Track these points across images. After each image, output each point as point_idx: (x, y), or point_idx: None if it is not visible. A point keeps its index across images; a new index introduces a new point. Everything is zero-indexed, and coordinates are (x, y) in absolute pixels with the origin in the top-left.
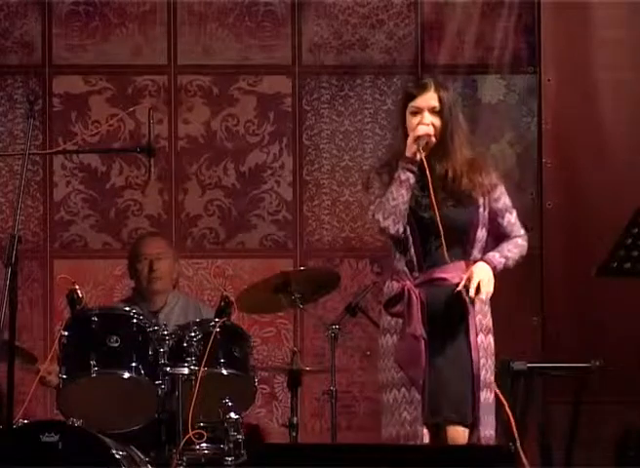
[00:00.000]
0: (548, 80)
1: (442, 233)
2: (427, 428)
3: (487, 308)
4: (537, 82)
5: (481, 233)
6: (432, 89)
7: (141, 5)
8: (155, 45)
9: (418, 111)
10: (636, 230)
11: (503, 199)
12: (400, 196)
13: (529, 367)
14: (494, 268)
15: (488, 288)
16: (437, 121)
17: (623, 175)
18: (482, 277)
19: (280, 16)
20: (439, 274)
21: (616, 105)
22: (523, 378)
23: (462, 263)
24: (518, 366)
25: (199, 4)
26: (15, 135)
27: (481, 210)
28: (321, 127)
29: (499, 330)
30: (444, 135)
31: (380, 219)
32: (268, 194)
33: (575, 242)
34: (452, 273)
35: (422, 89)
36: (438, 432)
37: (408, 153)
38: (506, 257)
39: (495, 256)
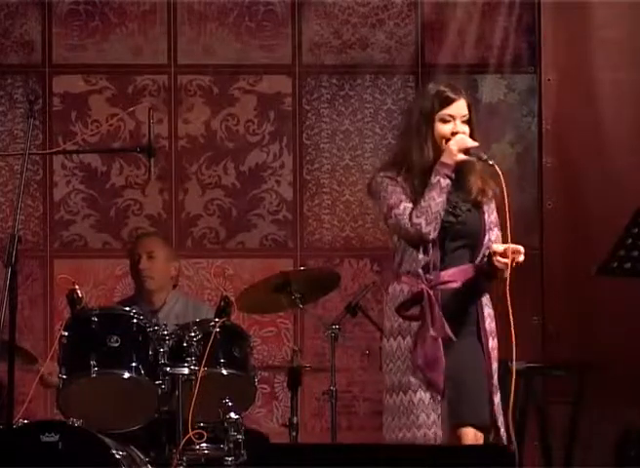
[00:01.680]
0: (548, 80)
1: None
2: (448, 429)
3: (492, 312)
4: (537, 82)
5: (487, 238)
6: (463, 96)
7: (142, 4)
8: (155, 44)
9: (449, 119)
10: (636, 230)
11: (495, 213)
12: (441, 202)
13: (529, 367)
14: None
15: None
16: (467, 129)
17: (623, 176)
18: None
19: (280, 15)
20: (449, 277)
21: (616, 105)
22: (523, 378)
23: (471, 267)
24: (518, 366)
25: (199, 4)
26: (15, 134)
27: (486, 216)
28: (321, 126)
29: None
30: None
31: (423, 225)
32: (268, 194)
33: (575, 242)
34: (461, 276)
35: (456, 96)
36: (452, 434)
37: (449, 160)
38: None
39: None
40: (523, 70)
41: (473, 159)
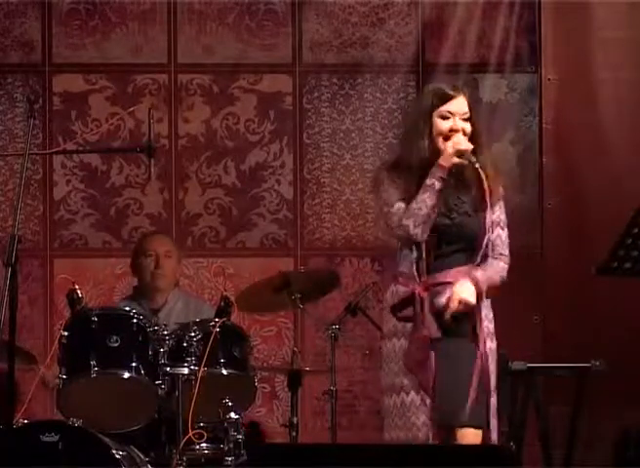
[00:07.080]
0: (549, 79)
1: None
2: (439, 431)
3: (491, 314)
4: (537, 81)
5: (487, 240)
6: (462, 94)
7: (142, 3)
8: (155, 43)
9: (449, 116)
10: (636, 230)
11: (499, 212)
12: (432, 205)
13: (529, 367)
14: (477, 285)
15: (468, 303)
16: (468, 127)
17: (623, 176)
18: (464, 295)
19: (280, 14)
20: (444, 278)
21: (616, 105)
22: (523, 378)
23: (466, 267)
24: (518, 366)
25: (199, 3)
26: (15, 133)
27: (488, 216)
28: (322, 125)
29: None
30: (473, 142)
31: (411, 226)
32: (269, 193)
33: (575, 242)
34: (456, 277)
35: (455, 93)
36: (450, 435)
37: (445, 162)
38: (489, 278)
39: (479, 275)
40: (523, 70)
41: (466, 162)
